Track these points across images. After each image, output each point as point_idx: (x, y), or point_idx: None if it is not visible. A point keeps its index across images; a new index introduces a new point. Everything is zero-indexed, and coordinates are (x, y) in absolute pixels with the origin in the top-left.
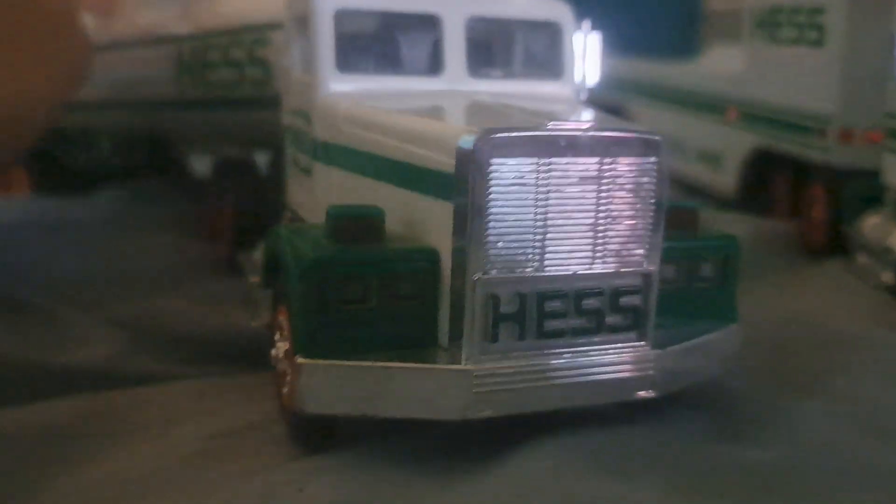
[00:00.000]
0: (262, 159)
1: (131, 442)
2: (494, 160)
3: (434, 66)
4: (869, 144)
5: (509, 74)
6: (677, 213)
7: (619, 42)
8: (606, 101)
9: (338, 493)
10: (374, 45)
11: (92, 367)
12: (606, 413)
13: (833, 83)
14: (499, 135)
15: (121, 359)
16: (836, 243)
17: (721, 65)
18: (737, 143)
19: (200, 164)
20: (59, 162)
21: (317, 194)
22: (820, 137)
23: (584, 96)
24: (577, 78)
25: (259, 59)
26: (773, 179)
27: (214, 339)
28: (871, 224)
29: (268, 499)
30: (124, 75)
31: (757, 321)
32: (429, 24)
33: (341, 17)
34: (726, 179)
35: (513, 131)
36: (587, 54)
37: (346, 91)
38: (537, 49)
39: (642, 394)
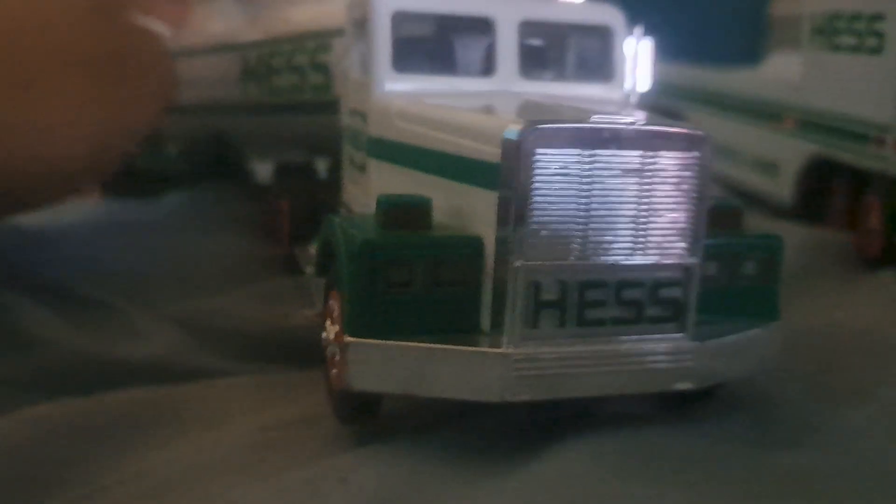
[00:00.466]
0: (322, 164)
1: (190, 432)
2: (539, 150)
3: (487, 67)
4: None
5: (560, 77)
6: (721, 211)
7: (681, 48)
8: (664, 107)
9: (380, 484)
10: (428, 46)
11: (150, 362)
12: (642, 412)
13: (891, 91)
14: (543, 126)
15: (178, 354)
16: (891, 254)
17: (780, 72)
18: (794, 152)
19: (262, 168)
20: (129, 167)
21: (370, 189)
22: (878, 146)
23: (635, 100)
24: (629, 82)
25: (320, 65)
26: (830, 189)
27: (268, 336)
28: None
29: (313, 488)
30: (192, 81)
31: (804, 328)
32: (482, 26)
33: (398, 18)
34: (783, 188)
35: (557, 123)
36: (640, 59)
37: (400, 90)
38: (588, 52)
39: (680, 385)
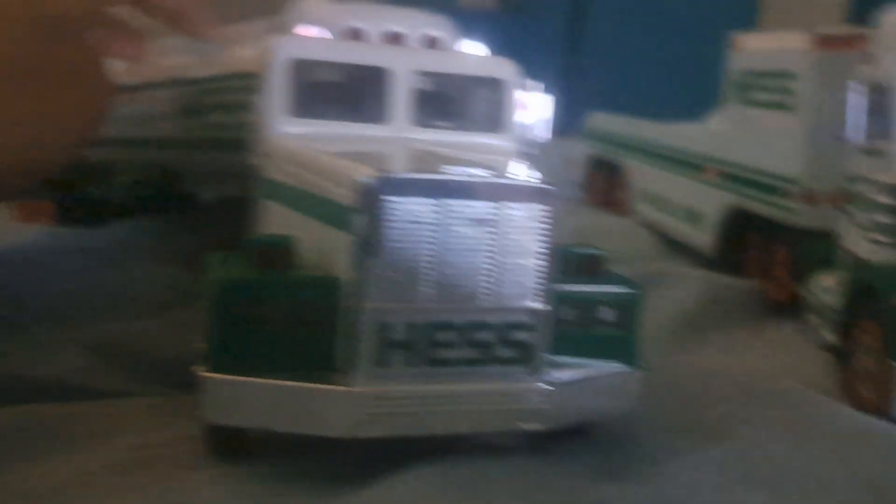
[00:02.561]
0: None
1: (67, 450)
2: (389, 197)
3: (382, 115)
4: (830, 207)
5: (453, 126)
6: (583, 258)
7: (635, 104)
8: (602, 158)
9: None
10: (325, 92)
11: (51, 380)
12: (493, 443)
13: (799, 146)
14: (394, 175)
15: (81, 374)
16: (795, 302)
17: (710, 127)
18: (715, 203)
19: (206, 201)
20: (81, 195)
21: (263, 228)
22: (786, 199)
23: (532, 151)
24: (523, 133)
25: (249, 104)
26: (746, 238)
27: (173, 361)
28: (822, 284)
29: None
30: (141, 114)
31: (685, 373)
32: (378, 75)
33: (295, 65)
34: (705, 237)
35: (408, 173)
36: (538, 112)
37: (295, 133)
38: (481, 103)
39: (528, 426)
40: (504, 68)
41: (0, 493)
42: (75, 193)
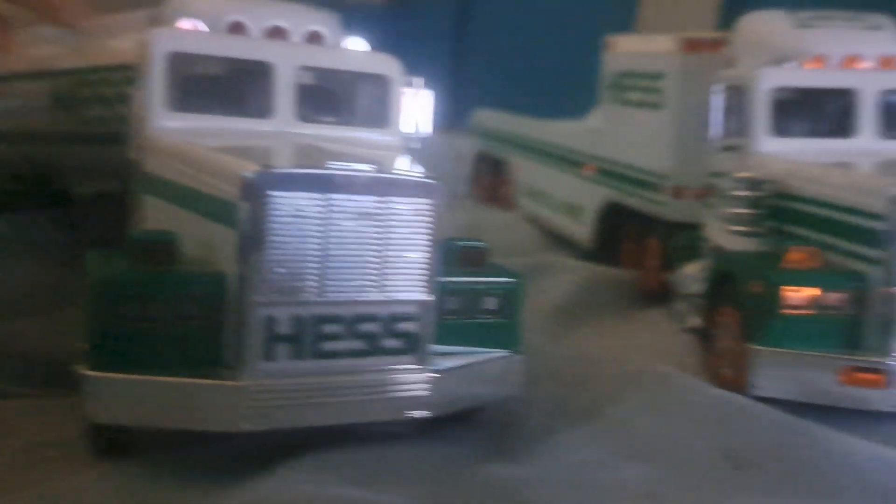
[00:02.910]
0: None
1: None
2: (273, 193)
3: (265, 109)
4: (697, 200)
5: (338, 121)
6: (467, 251)
7: (518, 101)
8: (488, 154)
9: (116, 499)
10: (207, 86)
11: None
12: (382, 429)
13: (668, 144)
14: (278, 170)
15: None
16: (665, 290)
17: (588, 125)
18: (592, 197)
19: (79, 196)
20: None
21: (144, 223)
22: (656, 193)
23: (415, 146)
24: (408, 128)
25: (127, 97)
26: (621, 231)
27: (44, 361)
28: (687, 273)
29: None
30: (10, 107)
31: (563, 358)
32: (261, 70)
33: (175, 59)
34: (584, 230)
35: (292, 168)
36: (421, 107)
37: (175, 128)
38: (367, 99)
39: (416, 413)
40: (388, 65)
41: None
42: None
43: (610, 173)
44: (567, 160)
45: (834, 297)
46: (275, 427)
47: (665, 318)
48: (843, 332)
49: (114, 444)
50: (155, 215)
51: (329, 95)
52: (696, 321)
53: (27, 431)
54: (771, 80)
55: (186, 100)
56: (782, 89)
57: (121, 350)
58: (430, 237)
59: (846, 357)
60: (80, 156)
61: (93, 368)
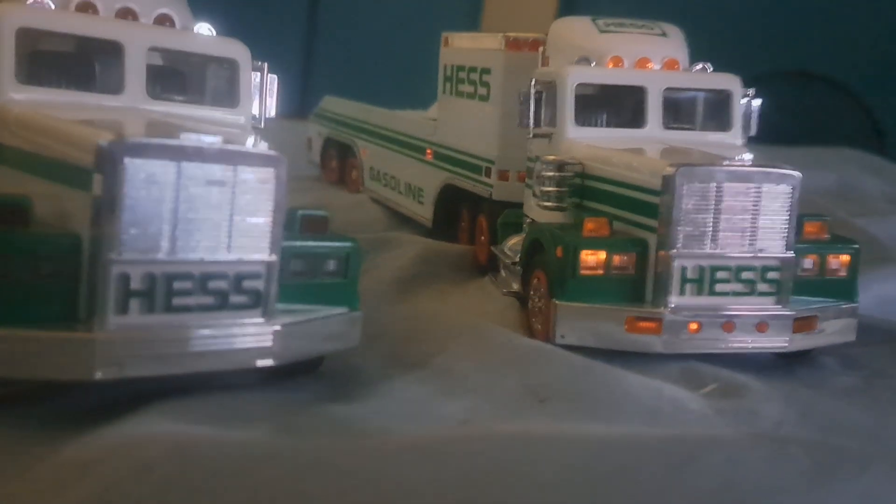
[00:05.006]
0: None
1: None
2: (127, 159)
3: (116, 86)
4: (519, 182)
5: (188, 100)
6: (311, 218)
7: (361, 90)
8: (337, 139)
9: None
10: (57, 61)
11: None
12: (235, 380)
13: (494, 132)
14: (132, 139)
15: None
16: (495, 262)
17: (428, 113)
18: (432, 179)
19: None
20: None
21: None
22: (485, 176)
23: (261, 126)
24: (254, 110)
25: None
26: (458, 210)
27: None
28: (510, 245)
29: None
30: None
31: (397, 317)
32: (112, 49)
33: (22, 33)
34: (425, 210)
35: (147, 137)
36: (266, 91)
37: (25, 100)
38: (216, 81)
39: (261, 362)
40: (235, 48)
41: None
42: None
43: (447, 158)
44: (410, 146)
45: (621, 260)
46: (127, 376)
47: (491, 285)
48: (629, 289)
49: None
50: (4, 183)
51: (178, 76)
52: (515, 286)
53: None
54: (576, 76)
55: (36, 73)
56: (585, 85)
57: None
58: (273, 204)
59: (630, 309)
60: None
61: None
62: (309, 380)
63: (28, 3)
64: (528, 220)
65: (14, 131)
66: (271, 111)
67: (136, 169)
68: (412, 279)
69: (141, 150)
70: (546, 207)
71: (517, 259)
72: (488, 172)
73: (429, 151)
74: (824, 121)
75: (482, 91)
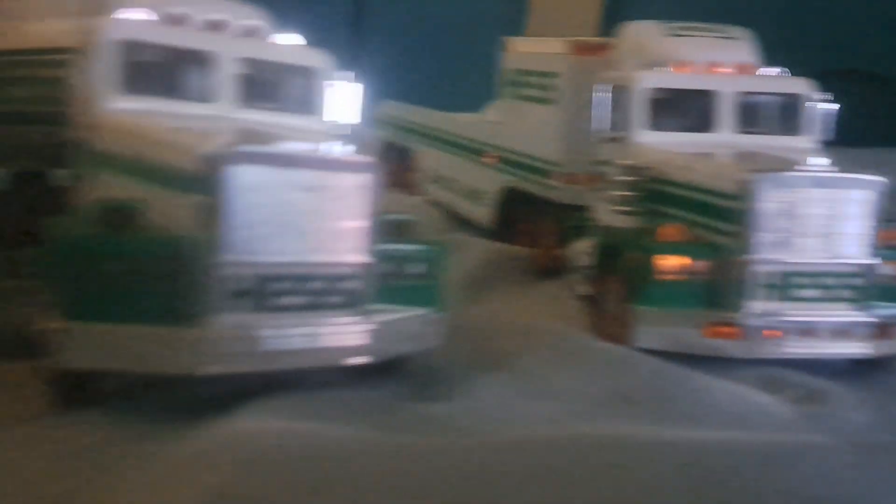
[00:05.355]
0: (56, 171)
1: None
2: (233, 166)
3: (209, 95)
4: (586, 186)
5: (274, 108)
6: (397, 223)
7: (416, 94)
8: (395, 143)
9: (79, 444)
10: (155, 72)
11: None
12: (334, 379)
13: (560, 136)
14: (238, 147)
15: None
16: (559, 265)
17: (488, 117)
18: (493, 182)
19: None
20: None
21: (97, 195)
22: (550, 179)
23: (343, 132)
24: (336, 117)
25: (57, 80)
26: (518, 213)
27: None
28: (578, 249)
29: (28, 441)
30: None
31: (474, 319)
32: (206, 59)
33: (125, 45)
34: (484, 212)
35: (250, 145)
36: (349, 98)
37: (125, 110)
38: (298, 89)
39: (355, 360)
40: (318, 58)
41: None
42: None
43: (508, 161)
44: (469, 149)
45: (697, 265)
46: (231, 371)
47: (558, 288)
48: (705, 294)
49: (77, 390)
50: (107, 189)
51: (264, 84)
52: (585, 289)
53: None
54: (647, 81)
55: (135, 84)
56: (656, 90)
57: (92, 303)
58: (367, 208)
59: (708, 314)
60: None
61: (66, 319)
62: (396, 378)
63: (129, 15)
64: (596, 224)
65: (120, 139)
66: (355, 118)
67: (241, 175)
68: (479, 281)
69: (245, 158)
70: (618, 212)
71: (587, 263)
72: (553, 176)
73: (490, 155)
74: (881, 120)
75: (547, 95)
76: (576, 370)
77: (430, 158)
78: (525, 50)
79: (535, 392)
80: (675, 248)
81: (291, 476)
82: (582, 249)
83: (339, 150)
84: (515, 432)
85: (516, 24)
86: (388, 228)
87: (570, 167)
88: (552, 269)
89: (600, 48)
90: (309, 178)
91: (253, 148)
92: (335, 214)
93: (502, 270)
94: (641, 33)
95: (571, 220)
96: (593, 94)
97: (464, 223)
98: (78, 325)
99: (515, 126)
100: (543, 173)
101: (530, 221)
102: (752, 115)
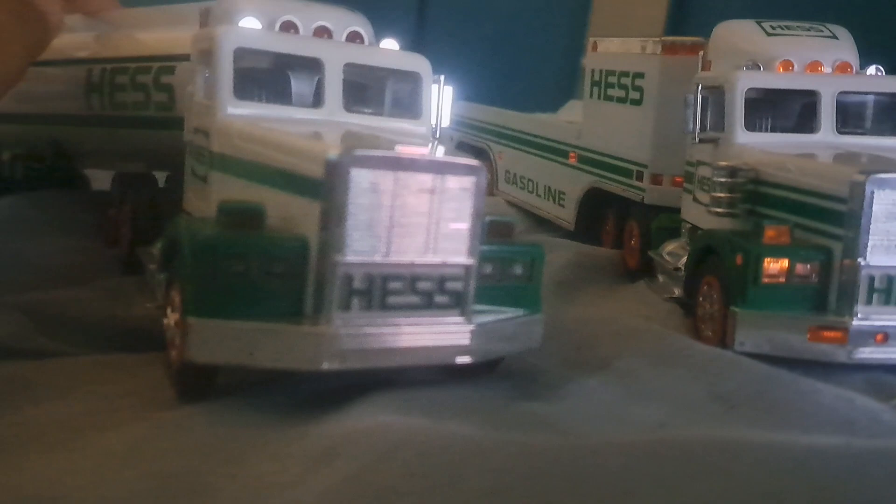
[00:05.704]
0: (161, 173)
1: (32, 402)
2: (353, 170)
3: (316, 100)
4: (673, 187)
5: (377, 112)
6: (498, 224)
7: (493, 94)
8: (469, 143)
9: (209, 430)
10: (266, 78)
11: None
12: (436, 377)
13: (647, 136)
14: (358, 151)
15: (18, 337)
16: (647, 267)
17: (568, 117)
18: (575, 183)
19: (99, 177)
20: None
21: (211, 197)
22: (637, 180)
23: (437, 135)
24: (433, 120)
25: (164, 85)
26: (603, 214)
27: (105, 324)
28: (668, 250)
29: (158, 430)
30: (32, 92)
31: (567, 320)
32: (313, 65)
33: (239, 53)
34: (566, 213)
35: (369, 150)
36: (442, 101)
37: (240, 114)
38: (401, 93)
39: (461, 359)
40: (421, 63)
41: None
42: None
43: (592, 162)
44: (549, 150)
45: (804, 268)
46: (350, 368)
47: (648, 291)
48: (811, 297)
49: (200, 383)
50: (224, 191)
51: (366, 89)
52: (677, 291)
53: (95, 385)
54: (746, 81)
55: (248, 90)
56: (754, 90)
57: (219, 300)
58: (473, 210)
59: (813, 318)
60: (106, 139)
61: (194, 315)
62: (497, 378)
63: (240, 25)
64: (688, 226)
65: (238, 144)
66: (446, 121)
67: (361, 179)
68: (568, 282)
69: (365, 162)
70: (717, 213)
71: (679, 264)
72: (640, 176)
73: (572, 155)
74: None
75: (634, 95)
76: (676, 373)
77: (506, 159)
78: (611, 50)
79: (635, 394)
80: (780, 251)
81: (425, 469)
82: (672, 251)
83: (447, 153)
84: (622, 434)
85: (579, 22)
86: (490, 230)
87: (657, 168)
88: (640, 271)
89: (691, 48)
90: (423, 180)
91: (373, 152)
92: (445, 216)
93: (590, 272)
94: (736, 32)
95: (659, 221)
96: (686, 95)
97: (542, 223)
98: (204, 322)
99: (599, 126)
100: (629, 174)
101: (615, 223)
102: (852, 116)
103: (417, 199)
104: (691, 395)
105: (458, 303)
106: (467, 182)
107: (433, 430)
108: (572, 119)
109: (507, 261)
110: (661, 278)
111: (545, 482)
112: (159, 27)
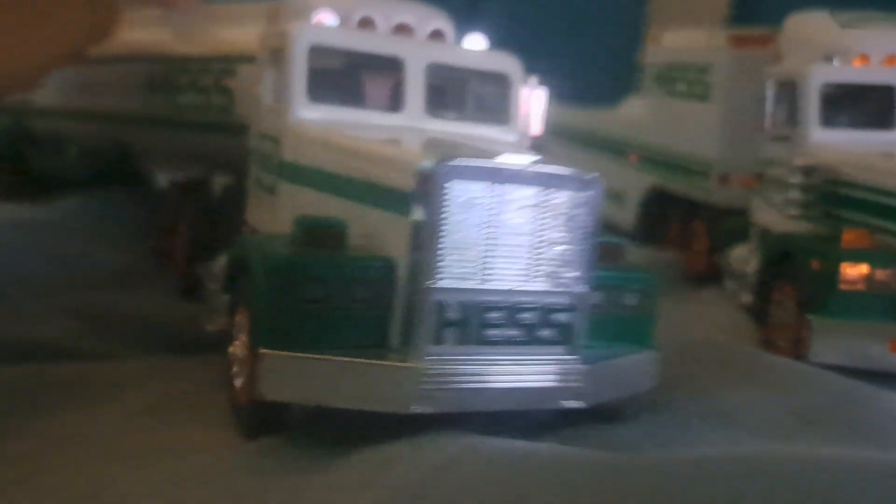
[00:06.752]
0: (220, 181)
1: (88, 402)
2: (450, 182)
3: (395, 103)
4: (742, 187)
5: (462, 117)
6: (605, 246)
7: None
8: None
9: (287, 471)
10: (342, 79)
11: (46, 343)
12: (543, 420)
13: (714, 133)
14: (456, 161)
15: (73, 338)
16: (713, 271)
17: (628, 113)
18: (636, 183)
19: (161, 178)
20: (26, 167)
21: (281, 210)
22: (703, 180)
23: (527, 143)
24: (522, 126)
25: (225, 88)
26: (665, 215)
27: (157, 327)
28: (737, 254)
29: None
30: (97, 86)
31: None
32: (393, 65)
33: (314, 52)
34: (627, 215)
35: (468, 159)
36: (534, 106)
37: (313, 118)
38: (488, 97)
39: (569, 404)
40: (511, 64)
41: (46, 439)
42: (22, 166)
43: (654, 160)
44: (608, 147)
45: (885, 274)
46: (441, 411)
47: (716, 297)
48: (893, 306)
49: (270, 423)
50: (296, 202)
51: (455, 92)
52: (748, 298)
53: (151, 386)
54: (822, 76)
55: (323, 91)
56: (829, 85)
57: (295, 329)
58: (587, 230)
59: (895, 327)
60: (166, 140)
61: (268, 347)
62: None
63: (314, 21)
64: (759, 228)
65: (313, 151)
66: (538, 127)
67: (458, 192)
68: None
69: (464, 173)
70: (790, 216)
71: (749, 269)
72: (707, 176)
73: (633, 153)
74: None
75: (700, 90)
76: (750, 388)
77: (563, 156)
78: (674, 43)
79: (710, 412)
80: (861, 256)
81: (486, 483)
82: (742, 255)
83: (556, 164)
84: (695, 452)
85: (635, 14)
86: (598, 252)
87: (725, 167)
88: (707, 276)
89: (762, 40)
90: (526, 195)
91: (472, 162)
92: (552, 237)
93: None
94: (810, 24)
95: (728, 223)
96: (758, 90)
97: (603, 225)
98: (278, 355)
99: (662, 123)
100: (695, 173)
101: (681, 224)
102: None
103: (520, 216)
104: (766, 410)
105: (566, 338)
106: (580, 197)
107: (497, 444)
108: (632, 115)
109: (619, 289)
110: (730, 285)
111: (615, 499)
112: (235, 24)
